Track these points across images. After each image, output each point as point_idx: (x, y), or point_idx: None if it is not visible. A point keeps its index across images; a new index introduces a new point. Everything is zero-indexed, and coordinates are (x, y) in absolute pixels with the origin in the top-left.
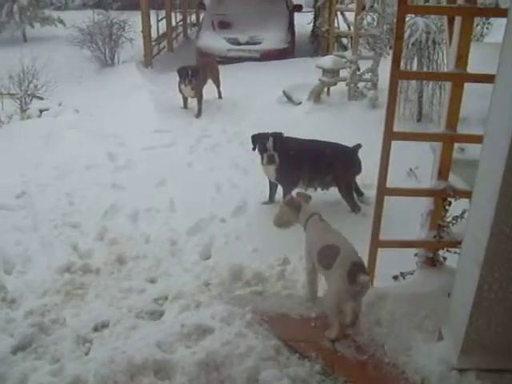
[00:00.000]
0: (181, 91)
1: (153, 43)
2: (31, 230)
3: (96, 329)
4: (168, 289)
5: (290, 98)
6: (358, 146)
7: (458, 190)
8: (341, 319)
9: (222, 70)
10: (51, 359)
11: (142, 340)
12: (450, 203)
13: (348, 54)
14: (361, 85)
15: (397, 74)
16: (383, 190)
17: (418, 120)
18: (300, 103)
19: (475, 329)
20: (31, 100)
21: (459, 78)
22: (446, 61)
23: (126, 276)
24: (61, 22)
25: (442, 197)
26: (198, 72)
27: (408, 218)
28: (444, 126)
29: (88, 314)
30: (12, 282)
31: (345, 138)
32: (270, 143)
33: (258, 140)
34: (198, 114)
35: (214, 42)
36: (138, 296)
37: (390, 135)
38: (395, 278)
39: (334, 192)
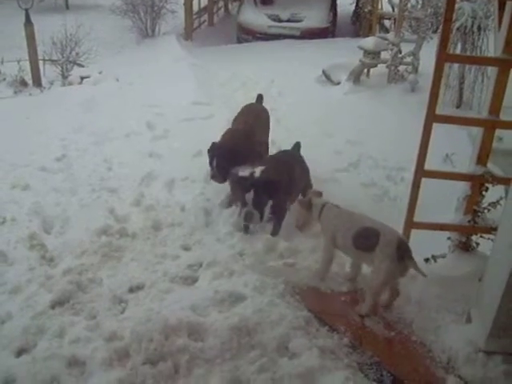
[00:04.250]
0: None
1: (194, 16)
2: (70, 193)
3: (131, 290)
4: (202, 256)
5: (329, 78)
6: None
7: (497, 177)
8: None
9: (262, 46)
10: (88, 315)
11: (177, 303)
12: (486, 189)
13: (390, 36)
14: (401, 68)
15: (443, 57)
16: (421, 172)
17: (458, 106)
18: (339, 83)
19: (505, 313)
20: (72, 67)
21: (507, 63)
22: (490, 47)
23: (161, 242)
24: None
25: (479, 182)
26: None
27: (442, 203)
28: (486, 112)
29: (124, 275)
30: (51, 241)
31: (383, 120)
32: (249, 196)
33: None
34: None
35: (255, 17)
36: (172, 262)
37: (432, 117)
38: (426, 260)
39: (369, 175)
